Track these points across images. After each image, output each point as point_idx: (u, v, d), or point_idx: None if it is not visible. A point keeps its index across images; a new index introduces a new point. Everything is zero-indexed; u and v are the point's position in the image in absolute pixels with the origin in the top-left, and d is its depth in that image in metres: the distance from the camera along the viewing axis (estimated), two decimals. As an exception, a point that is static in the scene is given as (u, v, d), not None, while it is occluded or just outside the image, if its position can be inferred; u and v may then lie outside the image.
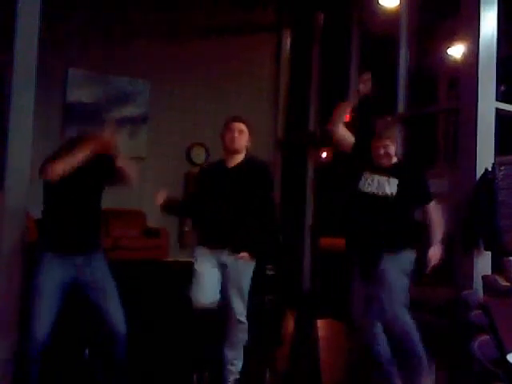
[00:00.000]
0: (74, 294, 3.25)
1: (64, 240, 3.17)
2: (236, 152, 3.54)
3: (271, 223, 3.63)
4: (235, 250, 3.40)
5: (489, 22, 4.38)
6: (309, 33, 7.76)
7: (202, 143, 7.65)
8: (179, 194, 7.54)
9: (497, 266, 4.10)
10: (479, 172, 4.25)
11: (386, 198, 3.39)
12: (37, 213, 3.39)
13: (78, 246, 3.19)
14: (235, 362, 3.46)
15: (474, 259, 4.19)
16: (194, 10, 7.41)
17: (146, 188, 7.43)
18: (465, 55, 4.57)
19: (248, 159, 3.58)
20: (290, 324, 5.45)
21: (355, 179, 3.48)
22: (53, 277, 3.11)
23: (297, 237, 7.45)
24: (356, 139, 3.59)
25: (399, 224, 3.42)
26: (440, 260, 3.41)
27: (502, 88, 5.02)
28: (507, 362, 2.33)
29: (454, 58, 5.80)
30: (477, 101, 4.29)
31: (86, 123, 6.17)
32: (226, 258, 3.41)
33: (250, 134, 3.58)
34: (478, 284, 4.04)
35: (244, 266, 3.42)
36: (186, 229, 7.38)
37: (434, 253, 3.40)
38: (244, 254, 3.39)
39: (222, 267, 3.43)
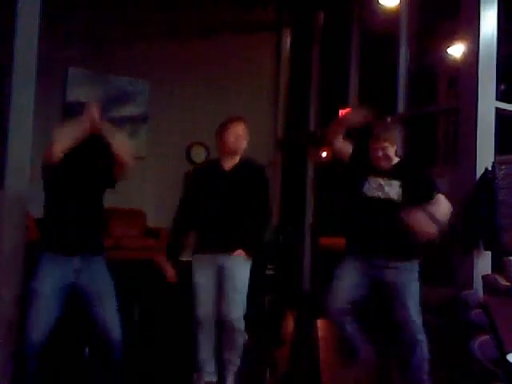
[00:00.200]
0: (72, 296, 3.25)
1: (63, 239, 3.15)
2: (236, 153, 3.53)
3: (266, 223, 3.64)
4: (230, 250, 3.40)
5: (489, 22, 4.38)
6: (309, 32, 7.76)
7: (201, 143, 7.65)
8: (179, 193, 7.55)
9: (497, 266, 4.10)
10: (479, 171, 4.25)
11: (391, 202, 3.35)
12: (37, 212, 3.39)
13: (78, 246, 3.15)
14: (235, 362, 3.46)
15: (474, 259, 4.20)
16: (194, 10, 7.41)
17: (146, 188, 7.47)
18: (465, 55, 4.57)
19: (245, 161, 3.56)
20: (289, 324, 5.45)
21: (358, 183, 3.45)
22: (50, 280, 3.07)
23: (297, 237, 7.45)
24: (357, 143, 3.57)
25: (407, 230, 3.39)
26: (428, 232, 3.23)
27: (502, 87, 5.02)
28: (507, 361, 2.32)
29: (454, 58, 5.80)
30: (477, 100, 4.29)
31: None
32: (222, 259, 3.40)
33: (248, 134, 3.57)
34: (478, 284, 4.04)
35: (239, 266, 3.41)
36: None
37: (417, 216, 3.20)
38: (239, 251, 3.39)
39: (219, 269, 3.42)
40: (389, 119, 5.86)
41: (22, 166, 3.57)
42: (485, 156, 4.28)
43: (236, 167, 3.53)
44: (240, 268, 3.41)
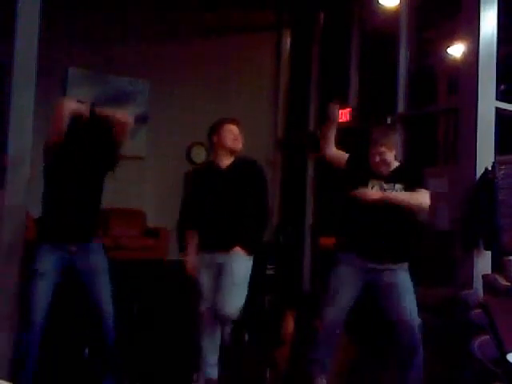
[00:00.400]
0: (75, 293, 3.30)
1: (60, 227, 3.24)
2: (233, 152, 3.55)
3: (264, 220, 3.64)
4: (229, 248, 3.41)
5: (489, 22, 4.38)
6: (309, 32, 7.76)
7: (201, 143, 7.64)
8: (179, 193, 7.55)
9: (497, 266, 4.09)
10: (479, 171, 4.24)
11: (392, 205, 3.35)
12: (37, 212, 3.41)
13: (74, 234, 3.26)
14: (214, 358, 3.49)
15: (474, 259, 4.19)
16: (194, 10, 7.41)
17: (146, 188, 7.48)
18: (465, 54, 4.57)
19: (240, 159, 3.58)
20: (290, 324, 5.44)
21: (360, 186, 3.44)
22: (50, 259, 3.20)
23: (297, 237, 7.45)
24: (356, 148, 3.58)
25: (408, 233, 3.40)
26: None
27: (502, 87, 5.02)
28: (507, 361, 2.33)
29: (454, 58, 5.80)
30: (477, 100, 4.28)
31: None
32: (222, 257, 3.42)
33: (243, 135, 3.61)
34: (478, 283, 4.04)
35: (237, 261, 3.42)
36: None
37: (371, 192, 3.31)
38: (236, 248, 3.40)
39: (219, 266, 3.44)
40: (389, 120, 5.86)
41: (22, 166, 3.57)
42: (485, 156, 4.27)
43: (232, 166, 3.54)
44: (238, 264, 3.42)
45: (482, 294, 3.90)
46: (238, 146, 3.56)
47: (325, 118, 3.63)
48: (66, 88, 7.05)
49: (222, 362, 3.55)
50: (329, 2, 7.41)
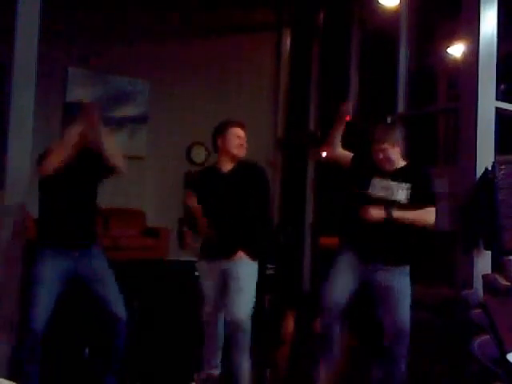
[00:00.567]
0: (74, 289, 3.29)
1: (61, 235, 3.23)
2: (239, 159, 3.50)
3: (267, 224, 3.63)
4: (232, 254, 3.38)
5: (489, 21, 4.38)
6: (309, 32, 7.76)
7: (201, 142, 7.65)
8: (179, 193, 7.56)
9: (497, 266, 4.09)
10: (479, 171, 4.24)
11: (398, 203, 3.34)
12: (36, 212, 3.41)
13: (75, 240, 3.25)
14: (243, 366, 3.40)
15: (474, 258, 4.19)
16: (194, 10, 7.41)
17: (146, 188, 7.48)
18: (465, 54, 4.57)
19: (242, 163, 3.52)
20: (290, 324, 5.45)
21: (363, 184, 3.44)
22: (52, 266, 3.17)
23: (297, 236, 7.45)
24: (359, 145, 3.58)
25: (408, 236, 3.40)
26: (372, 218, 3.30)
27: (502, 87, 5.02)
28: (507, 361, 2.32)
29: (454, 57, 5.80)
30: (477, 100, 4.28)
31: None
32: (226, 263, 3.39)
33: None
34: (478, 283, 4.04)
35: (242, 266, 3.37)
36: (186, 229, 7.37)
37: (374, 212, 3.29)
38: (239, 253, 3.36)
39: (223, 271, 3.40)
40: (389, 119, 5.86)
41: (22, 166, 3.57)
42: (485, 156, 4.27)
43: (235, 170, 3.49)
44: (243, 268, 3.37)
45: (481, 294, 3.90)
46: (242, 152, 3.50)
47: (332, 117, 3.63)
48: (66, 88, 7.05)
49: (222, 362, 3.55)
50: (329, 2, 7.41)
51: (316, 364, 3.49)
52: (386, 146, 3.39)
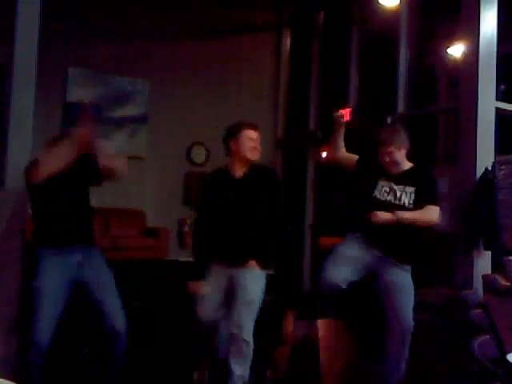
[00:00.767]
0: (75, 292, 3.27)
1: (59, 239, 3.21)
2: (252, 162, 3.40)
3: (281, 232, 3.50)
4: (243, 261, 3.31)
5: (489, 22, 4.38)
6: (309, 32, 7.76)
7: (201, 142, 7.65)
8: (179, 193, 7.56)
9: (497, 266, 4.09)
10: (479, 171, 4.24)
11: (403, 208, 3.34)
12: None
13: (74, 243, 3.22)
14: (243, 376, 3.33)
15: (474, 259, 4.19)
16: (194, 10, 7.41)
17: (146, 188, 7.47)
18: (465, 54, 4.57)
19: (256, 167, 3.41)
20: (289, 324, 5.44)
21: (369, 187, 3.43)
22: (53, 277, 3.11)
23: (297, 236, 7.45)
24: (363, 146, 3.58)
25: (415, 236, 3.40)
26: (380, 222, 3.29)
27: (502, 87, 5.02)
28: (507, 361, 2.32)
29: (454, 58, 5.80)
30: (477, 100, 4.28)
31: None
32: (236, 271, 3.31)
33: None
34: (478, 283, 4.04)
35: (252, 278, 3.30)
36: (186, 229, 7.38)
37: (382, 215, 3.28)
38: (253, 263, 3.30)
39: (230, 280, 3.33)
40: (389, 119, 5.86)
41: (22, 166, 3.56)
42: (485, 156, 4.27)
43: (247, 175, 3.39)
44: (253, 280, 3.30)
45: (481, 294, 3.90)
46: (256, 155, 3.39)
47: (332, 117, 3.63)
48: (66, 88, 7.04)
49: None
50: (329, 2, 7.40)
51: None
52: (392, 148, 3.39)
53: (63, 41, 6.65)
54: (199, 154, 7.71)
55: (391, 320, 3.35)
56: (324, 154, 7.44)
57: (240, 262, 3.31)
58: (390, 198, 3.38)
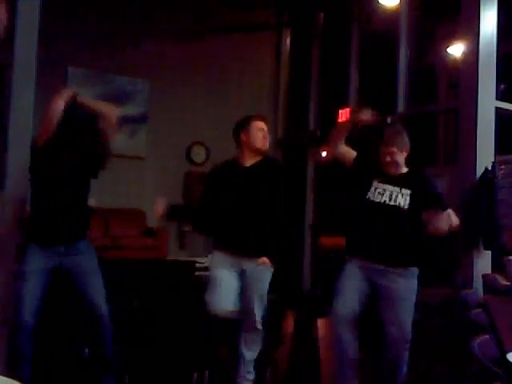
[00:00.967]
0: (63, 284, 3.29)
1: (47, 231, 3.25)
2: (263, 153, 3.49)
3: (283, 227, 3.57)
4: (255, 256, 3.35)
5: (489, 21, 4.38)
6: (309, 32, 7.76)
7: (201, 142, 7.65)
8: (179, 193, 7.56)
9: (497, 265, 4.09)
10: (479, 171, 4.24)
11: (398, 209, 3.33)
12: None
13: (61, 237, 3.26)
14: (253, 361, 3.46)
15: (474, 258, 4.19)
16: (194, 10, 7.41)
17: (146, 187, 7.47)
18: (465, 54, 4.57)
19: (266, 158, 3.53)
20: (289, 324, 5.44)
21: (364, 187, 3.43)
22: (36, 262, 3.20)
23: (297, 236, 7.45)
24: (362, 147, 3.57)
25: (411, 238, 3.38)
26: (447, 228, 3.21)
27: (502, 87, 5.02)
28: (507, 361, 2.32)
29: (454, 57, 5.80)
30: (477, 100, 4.28)
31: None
32: (246, 264, 3.36)
33: None
34: (478, 283, 4.04)
35: (264, 272, 3.38)
36: (186, 229, 7.38)
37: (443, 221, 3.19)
38: (264, 260, 3.35)
39: (242, 273, 3.38)
40: (389, 119, 5.86)
41: (22, 166, 3.57)
42: (485, 155, 4.27)
43: (258, 165, 3.48)
44: (264, 275, 3.41)
45: (482, 294, 3.90)
46: (266, 145, 3.52)
47: (331, 121, 3.64)
48: (66, 87, 7.04)
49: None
50: (329, 2, 7.41)
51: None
52: (394, 149, 3.38)
53: (63, 41, 6.65)
54: (199, 154, 7.72)
55: (388, 326, 3.34)
56: (324, 154, 7.44)
57: (250, 252, 3.35)
58: (384, 199, 3.37)
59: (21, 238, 3.53)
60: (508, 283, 3.76)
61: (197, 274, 4.28)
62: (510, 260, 3.92)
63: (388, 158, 3.38)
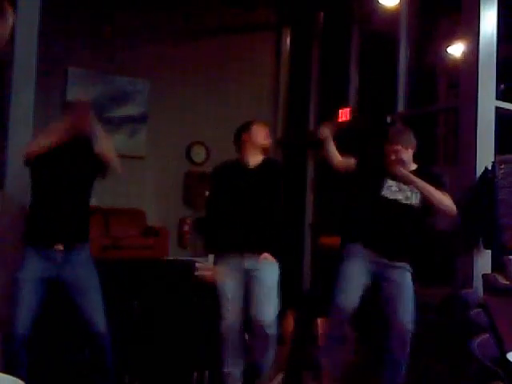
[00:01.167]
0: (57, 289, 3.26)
1: (44, 232, 3.19)
2: (266, 150, 3.55)
3: (283, 227, 3.58)
4: (256, 252, 3.35)
5: (489, 21, 4.38)
6: (309, 32, 7.76)
7: (201, 142, 7.65)
8: (179, 193, 7.56)
9: (497, 265, 4.10)
10: (479, 171, 4.25)
11: (411, 206, 3.37)
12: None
13: (59, 237, 3.17)
14: (265, 369, 3.42)
15: (474, 258, 4.20)
16: (194, 10, 7.41)
17: (146, 188, 7.48)
18: (465, 54, 4.57)
19: (268, 159, 3.58)
20: (289, 324, 5.44)
21: (375, 186, 3.44)
22: (33, 270, 3.12)
23: (297, 236, 7.45)
24: (359, 147, 3.59)
25: (420, 235, 3.41)
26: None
27: (502, 86, 5.02)
28: (507, 361, 2.32)
29: (454, 57, 5.80)
30: (477, 99, 4.29)
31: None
32: (249, 262, 3.35)
33: None
34: (478, 283, 4.04)
35: (267, 269, 3.35)
36: (186, 228, 7.38)
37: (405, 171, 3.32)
38: (266, 255, 3.35)
39: (246, 272, 3.35)
40: (389, 119, 5.86)
41: (22, 165, 3.57)
42: (485, 155, 4.28)
43: (262, 165, 3.52)
44: (269, 271, 3.36)
45: (481, 293, 3.90)
46: (269, 142, 3.58)
47: (332, 117, 3.66)
48: (66, 88, 7.04)
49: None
50: (329, 2, 7.40)
51: (319, 364, 3.48)
52: (399, 147, 3.40)
53: (63, 41, 6.65)
54: (199, 154, 7.71)
55: (391, 318, 3.35)
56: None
57: (253, 250, 3.35)
58: (399, 197, 3.40)
59: (20, 238, 3.54)
60: (508, 283, 3.76)
61: (197, 273, 4.27)
62: (510, 259, 3.93)
63: (393, 156, 3.40)
